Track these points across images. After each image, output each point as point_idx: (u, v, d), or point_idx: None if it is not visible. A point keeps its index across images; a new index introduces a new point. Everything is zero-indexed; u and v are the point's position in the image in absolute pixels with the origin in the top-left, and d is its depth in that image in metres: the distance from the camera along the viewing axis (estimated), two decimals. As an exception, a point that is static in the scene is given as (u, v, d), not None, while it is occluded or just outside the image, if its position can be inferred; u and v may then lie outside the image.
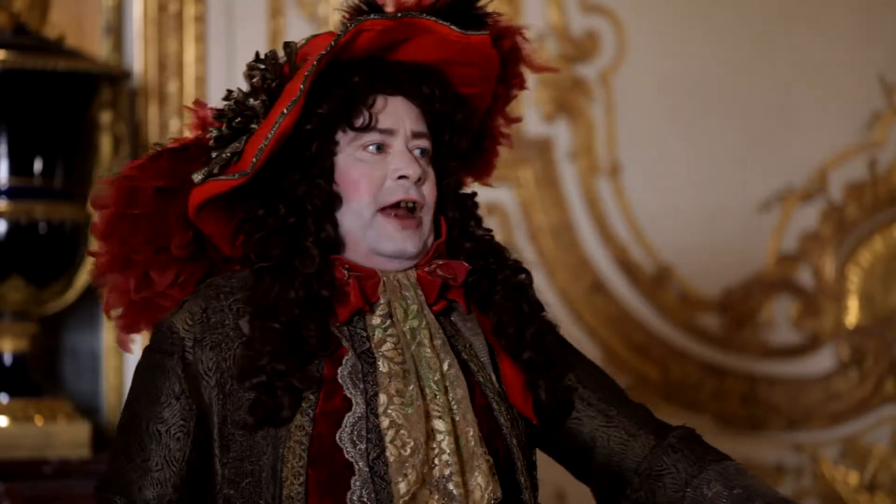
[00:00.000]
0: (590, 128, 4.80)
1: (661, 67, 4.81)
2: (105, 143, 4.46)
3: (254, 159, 2.21)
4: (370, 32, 2.26)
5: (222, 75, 4.53)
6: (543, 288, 4.70)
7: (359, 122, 2.27)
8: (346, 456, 2.17)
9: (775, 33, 4.85)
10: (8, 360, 4.35)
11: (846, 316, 4.90)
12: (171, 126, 4.51)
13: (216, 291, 2.26)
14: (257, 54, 2.28)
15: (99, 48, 4.57)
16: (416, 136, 2.30)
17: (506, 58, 2.40)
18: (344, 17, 2.32)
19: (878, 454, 4.87)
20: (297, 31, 4.45)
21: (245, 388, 2.19)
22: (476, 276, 2.33)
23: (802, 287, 4.89)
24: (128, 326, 2.40)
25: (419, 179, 2.27)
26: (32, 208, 4.26)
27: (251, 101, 2.25)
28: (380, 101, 2.29)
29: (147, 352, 2.28)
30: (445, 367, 2.23)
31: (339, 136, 2.28)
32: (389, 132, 2.28)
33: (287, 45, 2.31)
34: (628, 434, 2.36)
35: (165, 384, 2.23)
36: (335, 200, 2.26)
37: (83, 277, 4.38)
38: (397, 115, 2.29)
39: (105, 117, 4.46)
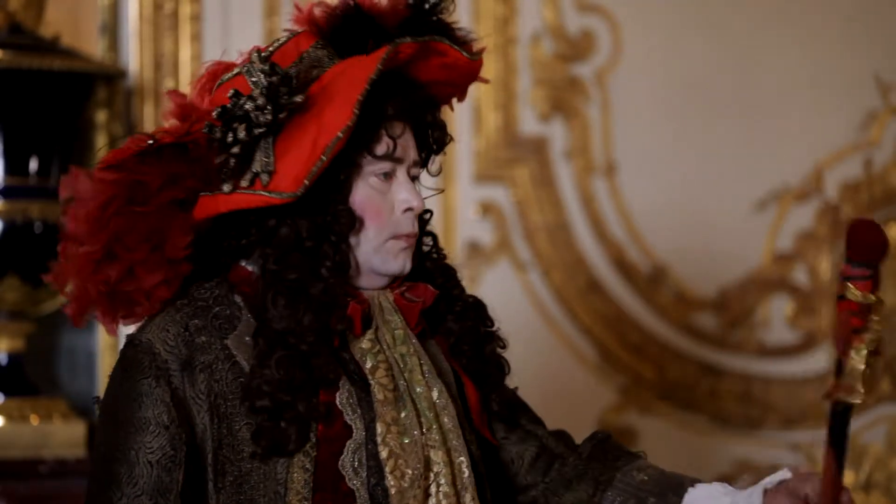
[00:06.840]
0: (585, 127, 4.80)
1: (657, 67, 4.81)
2: (101, 143, 4.45)
3: (305, 181, 2.13)
4: (401, 54, 2.23)
5: (218, 74, 4.52)
6: (539, 288, 4.77)
7: (381, 151, 2.23)
8: (349, 483, 2.16)
9: (771, 32, 4.84)
10: (4, 359, 4.35)
11: (842, 315, 4.89)
12: (166, 125, 4.50)
13: (193, 308, 2.20)
14: (258, 57, 2.22)
15: (94, 47, 4.57)
16: (415, 164, 2.29)
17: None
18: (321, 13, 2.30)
19: (873, 453, 4.87)
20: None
21: (248, 410, 2.14)
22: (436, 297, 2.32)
23: (798, 286, 4.89)
24: (81, 309, 2.29)
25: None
26: (28, 207, 4.25)
27: (264, 113, 2.16)
28: (398, 128, 2.25)
29: (124, 374, 2.19)
30: (435, 395, 2.23)
31: (358, 158, 2.23)
32: (399, 160, 2.26)
33: (258, 51, 2.25)
34: (555, 455, 2.41)
35: (152, 412, 2.14)
36: (355, 224, 2.22)
37: (79, 277, 4.38)
38: (408, 143, 2.27)
39: (101, 116, 4.46)
